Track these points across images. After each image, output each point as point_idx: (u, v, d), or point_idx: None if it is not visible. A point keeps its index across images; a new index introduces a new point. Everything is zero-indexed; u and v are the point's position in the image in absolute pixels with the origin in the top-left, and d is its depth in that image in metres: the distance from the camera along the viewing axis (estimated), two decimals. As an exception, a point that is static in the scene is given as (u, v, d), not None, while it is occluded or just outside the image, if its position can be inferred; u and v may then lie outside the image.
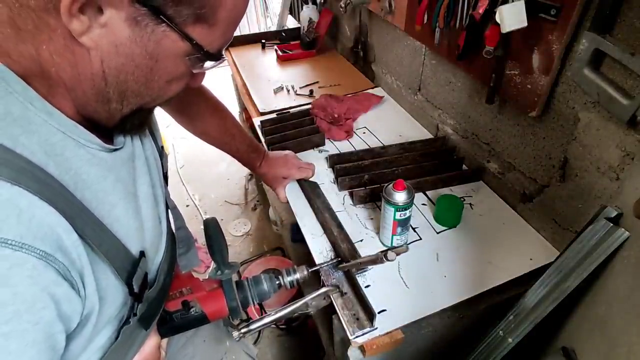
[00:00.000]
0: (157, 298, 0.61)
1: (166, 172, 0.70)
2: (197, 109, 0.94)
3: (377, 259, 0.73)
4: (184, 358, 0.84)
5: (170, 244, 0.67)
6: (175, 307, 0.69)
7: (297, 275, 0.78)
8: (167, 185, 0.70)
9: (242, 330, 0.72)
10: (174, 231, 0.73)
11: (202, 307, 0.69)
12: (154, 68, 0.43)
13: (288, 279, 0.78)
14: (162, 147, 0.69)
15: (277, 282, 0.77)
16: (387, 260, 0.69)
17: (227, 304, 0.70)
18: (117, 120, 0.49)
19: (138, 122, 0.52)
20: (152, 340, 0.65)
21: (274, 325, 1.71)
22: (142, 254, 0.52)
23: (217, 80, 3.80)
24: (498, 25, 0.75)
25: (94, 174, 0.46)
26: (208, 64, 0.48)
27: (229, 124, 1.00)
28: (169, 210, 0.70)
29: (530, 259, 0.85)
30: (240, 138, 1.02)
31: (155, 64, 0.43)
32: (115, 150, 0.51)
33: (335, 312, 0.78)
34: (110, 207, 0.47)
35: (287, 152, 1.10)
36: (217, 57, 0.47)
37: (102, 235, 0.45)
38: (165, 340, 0.73)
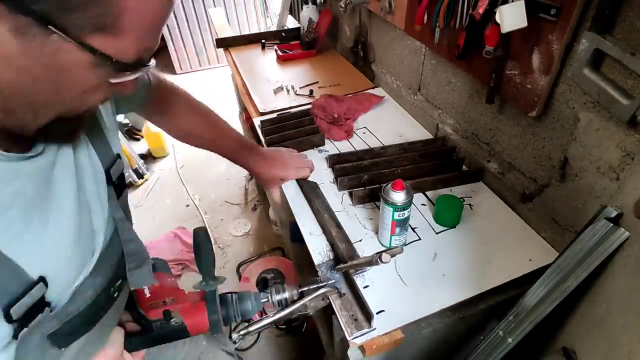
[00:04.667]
0: (82, 316, 0.56)
1: (119, 182, 0.65)
2: (178, 107, 0.91)
3: (372, 261, 0.73)
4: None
5: (117, 258, 0.63)
6: (156, 316, 0.68)
7: (286, 295, 0.76)
8: (118, 196, 0.64)
9: (241, 332, 0.72)
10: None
11: (183, 319, 0.68)
12: (57, 80, 0.40)
13: (276, 297, 0.75)
14: (118, 154, 0.64)
15: (264, 300, 0.75)
16: (382, 262, 0.69)
17: (208, 318, 0.69)
18: (34, 130, 0.45)
19: (67, 131, 0.49)
20: (108, 351, 0.61)
21: (273, 326, 1.71)
22: (42, 279, 0.47)
23: (217, 81, 3.82)
24: (498, 25, 0.75)
25: None
26: (128, 73, 0.44)
27: (213, 119, 0.97)
28: (118, 222, 0.64)
29: (530, 260, 0.85)
30: (229, 134, 0.98)
31: (57, 76, 0.40)
32: (26, 158, 0.46)
33: (334, 312, 0.77)
34: (8, 223, 0.44)
35: (284, 149, 1.07)
36: (133, 66, 0.42)
37: None
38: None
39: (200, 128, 0.95)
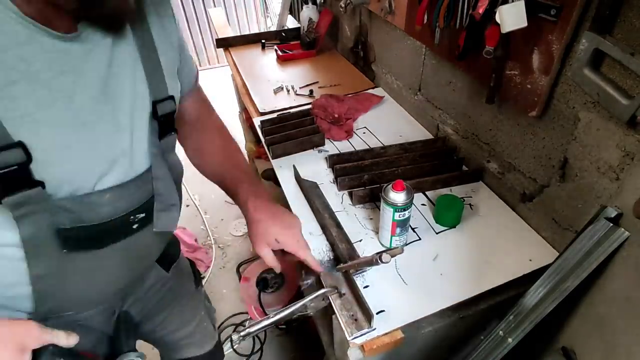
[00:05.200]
0: (95, 228, 0.58)
1: (165, 121, 0.64)
2: (207, 120, 0.86)
3: (372, 261, 0.73)
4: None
5: (147, 194, 0.64)
6: None
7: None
8: (161, 136, 0.65)
9: (242, 334, 0.72)
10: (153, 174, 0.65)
11: None
12: None
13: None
14: (172, 96, 0.65)
15: None
16: (382, 262, 0.69)
17: None
18: (76, 2, 0.45)
19: (110, 16, 0.49)
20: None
21: (273, 326, 1.71)
22: (22, 145, 0.47)
23: (217, 81, 3.82)
24: (498, 25, 0.75)
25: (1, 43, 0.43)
26: None
27: (233, 148, 0.87)
28: (152, 156, 0.64)
29: (530, 260, 0.85)
30: (240, 162, 0.85)
31: None
32: (54, 36, 0.47)
33: (334, 312, 0.78)
34: (4, 85, 0.45)
35: (295, 214, 0.84)
36: None
37: None
38: None
39: (215, 148, 0.85)
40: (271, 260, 0.76)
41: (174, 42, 0.68)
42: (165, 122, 0.65)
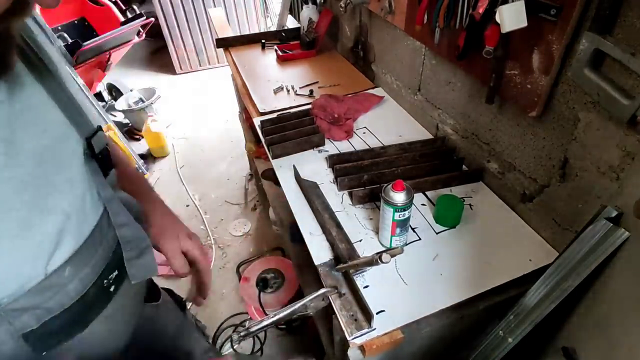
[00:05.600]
0: (67, 313, 0.49)
1: (104, 157, 0.56)
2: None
3: (372, 261, 0.73)
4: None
5: (110, 246, 0.56)
6: None
7: None
8: (105, 175, 0.57)
9: (242, 334, 0.72)
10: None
11: None
12: None
13: None
14: (100, 127, 0.56)
15: None
16: (382, 262, 0.69)
17: None
18: None
19: None
20: None
21: (273, 326, 1.71)
22: None
23: (217, 81, 3.82)
24: (498, 25, 0.75)
25: None
26: None
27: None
28: (106, 202, 0.56)
29: (530, 260, 0.85)
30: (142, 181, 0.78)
31: None
32: None
33: (334, 312, 0.78)
34: None
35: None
36: None
37: None
38: None
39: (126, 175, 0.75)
40: (180, 260, 0.69)
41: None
42: (104, 159, 0.57)
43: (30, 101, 0.46)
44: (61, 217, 0.48)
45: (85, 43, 2.60)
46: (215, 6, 3.87)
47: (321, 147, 1.23)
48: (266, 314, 0.75)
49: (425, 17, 1.01)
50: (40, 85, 0.48)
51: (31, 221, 0.45)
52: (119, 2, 3.47)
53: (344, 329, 0.73)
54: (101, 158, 0.56)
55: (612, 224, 0.56)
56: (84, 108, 0.55)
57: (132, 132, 3.07)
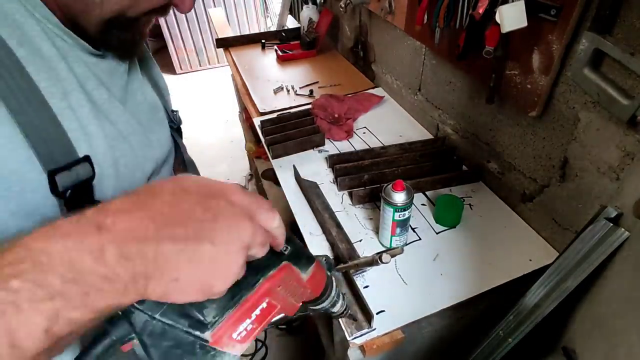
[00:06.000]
0: None
1: (175, 125, 0.73)
2: None
3: (372, 261, 0.73)
4: None
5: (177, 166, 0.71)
6: None
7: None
8: (180, 137, 0.75)
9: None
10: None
11: None
12: None
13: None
14: (173, 111, 0.73)
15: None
16: (382, 262, 0.69)
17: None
18: (98, 26, 0.47)
19: (124, 39, 0.51)
20: None
21: (273, 326, 1.71)
22: (87, 159, 0.46)
23: (217, 81, 3.82)
24: (498, 25, 0.75)
25: (53, 53, 0.44)
26: None
27: None
28: (187, 162, 0.73)
29: (530, 260, 0.85)
30: None
31: None
32: (95, 55, 0.50)
33: (334, 312, 0.78)
34: (63, 95, 0.45)
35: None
36: None
37: (32, 109, 0.41)
38: None
39: None
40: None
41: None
42: (179, 130, 0.75)
43: (137, 76, 0.61)
44: (153, 164, 0.61)
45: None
46: (215, 6, 3.87)
47: (321, 147, 1.23)
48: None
49: (425, 17, 1.01)
50: (138, 67, 0.62)
51: (141, 150, 0.57)
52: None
53: (344, 329, 0.73)
54: (178, 129, 0.73)
55: (612, 224, 0.56)
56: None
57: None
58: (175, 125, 0.72)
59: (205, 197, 0.31)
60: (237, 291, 0.34)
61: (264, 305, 0.36)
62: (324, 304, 0.51)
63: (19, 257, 0.24)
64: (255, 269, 0.35)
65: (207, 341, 0.33)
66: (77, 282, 0.24)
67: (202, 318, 0.33)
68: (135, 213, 0.28)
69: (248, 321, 0.35)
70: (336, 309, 0.54)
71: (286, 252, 0.39)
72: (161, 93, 0.69)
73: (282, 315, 0.49)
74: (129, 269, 0.26)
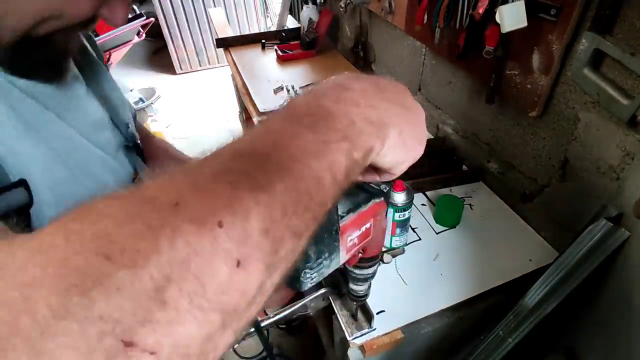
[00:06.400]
0: None
1: (129, 143, 0.63)
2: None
3: None
4: None
5: None
6: None
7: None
8: (140, 155, 0.65)
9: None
10: None
11: None
12: None
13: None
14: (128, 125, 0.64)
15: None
16: (383, 262, 0.69)
17: None
18: (6, 51, 0.41)
19: (37, 61, 0.44)
20: None
21: (273, 326, 1.71)
22: (22, 182, 0.42)
23: (217, 81, 3.82)
24: (498, 25, 0.75)
25: None
26: None
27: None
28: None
29: (530, 260, 0.85)
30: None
31: None
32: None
33: (334, 312, 0.77)
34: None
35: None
36: None
37: None
38: None
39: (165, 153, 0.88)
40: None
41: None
42: (136, 147, 0.65)
43: (77, 92, 0.54)
44: (102, 190, 0.54)
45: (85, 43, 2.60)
46: (215, 6, 3.87)
47: (321, 147, 1.23)
48: (266, 314, 0.75)
49: (425, 17, 1.01)
50: (83, 82, 0.57)
51: (94, 168, 0.53)
52: (119, 2, 3.46)
53: (344, 329, 0.73)
54: (135, 146, 0.64)
55: (612, 224, 0.56)
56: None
57: (132, 132, 3.07)
58: (129, 144, 0.63)
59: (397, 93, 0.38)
60: (356, 201, 0.41)
61: (368, 225, 0.42)
62: (370, 270, 0.56)
63: (310, 113, 0.30)
64: (368, 192, 0.42)
65: (339, 228, 0.38)
66: (354, 124, 0.30)
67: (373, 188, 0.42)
68: (355, 86, 0.34)
69: (357, 233, 0.40)
70: (366, 286, 0.60)
71: (385, 191, 0.45)
72: (115, 110, 0.62)
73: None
74: (375, 116, 0.32)
